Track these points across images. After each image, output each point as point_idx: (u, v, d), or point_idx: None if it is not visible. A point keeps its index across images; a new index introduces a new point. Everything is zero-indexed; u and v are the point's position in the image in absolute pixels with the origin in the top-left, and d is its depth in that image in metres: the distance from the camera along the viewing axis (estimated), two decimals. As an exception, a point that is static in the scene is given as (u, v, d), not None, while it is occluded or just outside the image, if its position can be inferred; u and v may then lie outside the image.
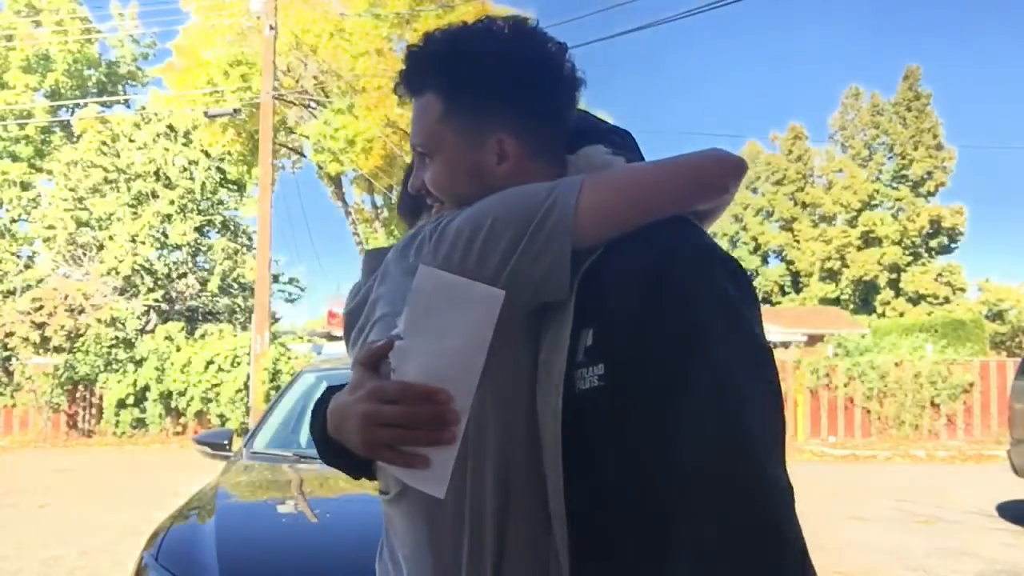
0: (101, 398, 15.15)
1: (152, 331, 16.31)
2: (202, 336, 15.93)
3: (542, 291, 0.89)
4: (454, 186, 1.01)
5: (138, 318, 16.70)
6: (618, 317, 0.85)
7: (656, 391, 0.82)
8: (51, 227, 17.73)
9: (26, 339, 15.18)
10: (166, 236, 17.89)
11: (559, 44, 0.99)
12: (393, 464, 0.86)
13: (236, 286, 19.25)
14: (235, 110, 16.04)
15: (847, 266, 33.84)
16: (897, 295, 33.75)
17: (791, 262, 35.44)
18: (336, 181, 22.41)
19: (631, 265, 0.87)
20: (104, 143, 18.34)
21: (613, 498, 0.84)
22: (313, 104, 19.66)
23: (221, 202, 19.48)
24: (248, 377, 14.08)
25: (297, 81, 19.28)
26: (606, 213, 0.89)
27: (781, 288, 35.94)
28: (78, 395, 15.35)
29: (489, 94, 0.97)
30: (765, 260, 37.20)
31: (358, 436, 0.88)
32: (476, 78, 0.97)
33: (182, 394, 14.78)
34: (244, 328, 17.11)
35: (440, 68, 0.99)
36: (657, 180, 0.93)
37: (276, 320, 18.76)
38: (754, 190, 36.52)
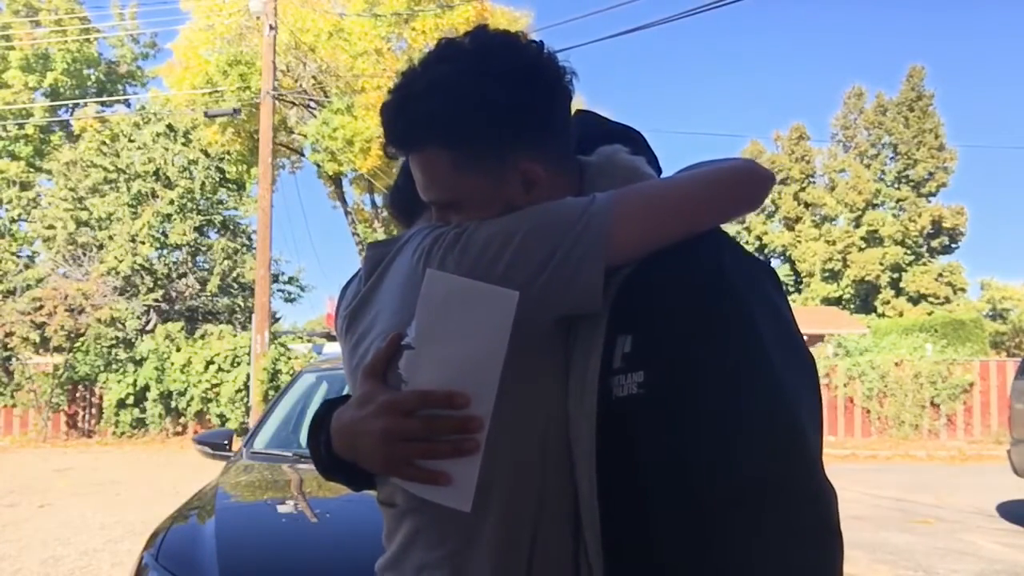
0: (101, 398, 15.14)
1: (152, 331, 16.30)
2: (202, 336, 15.91)
3: (574, 308, 0.85)
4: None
5: (138, 318, 16.67)
6: (663, 324, 0.83)
7: (709, 397, 0.80)
8: (51, 227, 17.71)
9: (26, 339, 15.16)
10: (166, 236, 17.86)
11: (540, 52, 0.92)
12: (415, 481, 0.82)
13: (236, 286, 19.21)
14: (235, 110, 16.04)
15: (849, 266, 33.86)
16: (898, 295, 33.78)
17: (795, 262, 35.43)
18: (335, 181, 22.41)
19: (673, 272, 0.85)
20: (104, 143, 18.33)
21: (656, 505, 0.80)
22: (312, 104, 19.66)
23: (221, 202, 19.44)
24: (248, 377, 14.08)
25: (296, 81, 19.29)
26: (640, 234, 0.86)
27: (784, 288, 35.95)
28: (78, 395, 15.34)
29: (495, 130, 0.90)
30: (768, 260, 37.21)
31: (377, 454, 0.83)
32: (477, 120, 0.90)
33: (182, 394, 14.78)
34: (244, 328, 17.09)
35: (437, 122, 0.90)
36: (693, 201, 0.89)
37: (276, 320, 18.74)
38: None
